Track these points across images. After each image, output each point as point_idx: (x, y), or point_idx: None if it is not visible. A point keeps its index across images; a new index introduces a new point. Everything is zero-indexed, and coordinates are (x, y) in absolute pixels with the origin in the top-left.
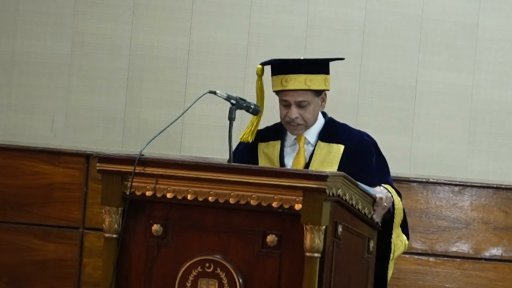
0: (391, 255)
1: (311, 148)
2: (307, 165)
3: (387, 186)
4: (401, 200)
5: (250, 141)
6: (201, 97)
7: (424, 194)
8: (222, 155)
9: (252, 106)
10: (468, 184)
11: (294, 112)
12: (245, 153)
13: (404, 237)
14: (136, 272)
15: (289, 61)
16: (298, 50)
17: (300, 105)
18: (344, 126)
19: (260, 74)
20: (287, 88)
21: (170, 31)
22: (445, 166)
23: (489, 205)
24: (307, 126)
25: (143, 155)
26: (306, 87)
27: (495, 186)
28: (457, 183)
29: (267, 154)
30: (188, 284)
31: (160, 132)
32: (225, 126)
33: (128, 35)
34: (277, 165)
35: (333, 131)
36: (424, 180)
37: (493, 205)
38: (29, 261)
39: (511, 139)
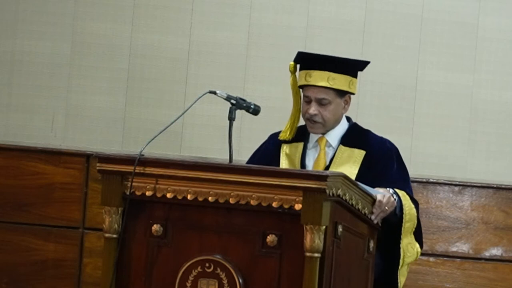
0: (401, 261)
1: (333, 151)
2: (327, 168)
3: (398, 190)
4: (416, 208)
5: (289, 138)
6: (201, 97)
7: (424, 194)
8: (222, 155)
9: (252, 106)
10: (468, 184)
11: (314, 108)
12: (266, 153)
13: (417, 244)
14: (136, 272)
15: (314, 55)
16: (298, 50)
17: (320, 102)
18: (368, 132)
19: (293, 70)
20: (309, 83)
21: (170, 31)
22: (445, 166)
23: (489, 205)
24: (325, 125)
25: (143, 155)
26: (328, 85)
27: (495, 186)
28: (457, 183)
29: (289, 155)
30: (188, 284)
31: (160, 132)
32: (225, 126)
33: (128, 35)
34: (297, 165)
35: (355, 136)
36: (424, 180)
37: (493, 205)
38: (29, 261)
39: (511, 139)
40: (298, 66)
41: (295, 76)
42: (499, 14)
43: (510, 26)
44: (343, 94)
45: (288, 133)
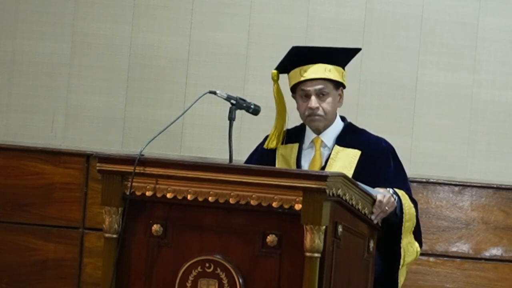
0: (401, 261)
1: (328, 152)
2: (322, 168)
3: (398, 190)
4: (415, 207)
5: (275, 146)
6: (201, 97)
7: (424, 194)
8: (222, 155)
9: (252, 106)
10: (468, 184)
11: (314, 101)
12: (263, 155)
13: (416, 244)
14: (136, 272)
15: (308, 49)
16: None
17: (320, 92)
18: (363, 131)
19: (276, 79)
20: (306, 77)
21: (170, 31)
22: (445, 166)
23: (489, 205)
24: (326, 118)
25: (143, 155)
26: (326, 76)
27: (495, 186)
28: (457, 183)
29: (285, 156)
30: (188, 284)
31: (160, 132)
32: (225, 126)
33: (128, 35)
34: (293, 166)
35: (351, 136)
36: (424, 180)
37: (493, 205)
38: (29, 261)
39: (511, 139)
40: (281, 76)
41: (278, 84)
42: (499, 14)
43: (510, 26)
44: (338, 86)
45: (271, 142)
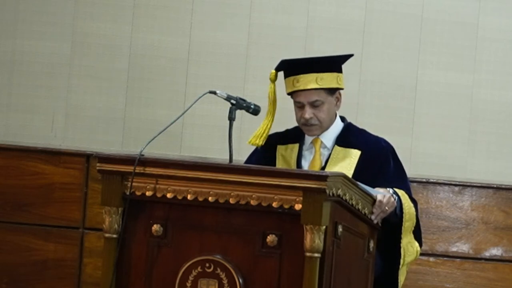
0: (401, 261)
1: (328, 152)
2: (322, 169)
3: (398, 190)
4: (415, 207)
5: (259, 145)
6: (201, 97)
7: (424, 194)
8: (222, 155)
9: (252, 106)
10: (468, 184)
11: (308, 112)
12: (263, 155)
13: (417, 243)
14: (136, 272)
15: (298, 60)
16: (298, 50)
17: (313, 105)
18: (362, 131)
19: (274, 79)
20: (299, 88)
21: (170, 31)
22: (445, 166)
23: (489, 205)
24: (322, 126)
25: (143, 155)
26: (318, 86)
27: (495, 186)
28: (457, 183)
29: (285, 157)
30: (188, 284)
31: (160, 132)
32: (225, 126)
33: (128, 35)
34: (293, 167)
35: (350, 136)
36: (424, 180)
37: (493, 205)
38: (29, 261)
39: (511, 139)
40: (279, 74)
41: (274, 84)
42: (499, 14)
43: (510, 26)
44: (333, 91)
45: (259, 140)
